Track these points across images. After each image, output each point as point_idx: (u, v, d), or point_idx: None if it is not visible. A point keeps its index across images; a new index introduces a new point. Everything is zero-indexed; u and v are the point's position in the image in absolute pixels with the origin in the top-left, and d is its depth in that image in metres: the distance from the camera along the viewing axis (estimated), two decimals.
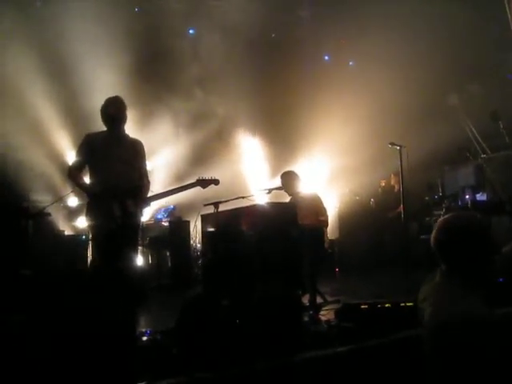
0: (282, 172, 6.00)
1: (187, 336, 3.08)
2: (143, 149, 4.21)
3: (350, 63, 10.54)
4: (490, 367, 1.77)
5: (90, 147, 4.01)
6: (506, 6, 7.19)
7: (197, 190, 4.52)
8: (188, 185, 4.37)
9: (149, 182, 4.24)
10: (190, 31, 9.41)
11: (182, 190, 4.34)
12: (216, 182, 4.44)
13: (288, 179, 5.84)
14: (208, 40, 8.72)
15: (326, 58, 10.56)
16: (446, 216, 2.11)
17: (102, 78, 7.41)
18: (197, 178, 4.44)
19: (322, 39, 9.86)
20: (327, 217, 5.85)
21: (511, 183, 7.12)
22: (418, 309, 2.09)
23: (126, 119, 4.07)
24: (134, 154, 4.10)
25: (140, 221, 4.21)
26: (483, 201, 7.46)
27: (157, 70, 8.51)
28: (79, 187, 4.19)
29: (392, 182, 8.65)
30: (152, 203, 4.36)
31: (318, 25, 9.65)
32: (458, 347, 1.82)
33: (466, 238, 1.96)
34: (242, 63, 8.74)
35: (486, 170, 7.27)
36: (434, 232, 2.07)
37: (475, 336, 1.78)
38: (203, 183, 4.40)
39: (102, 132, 4.09)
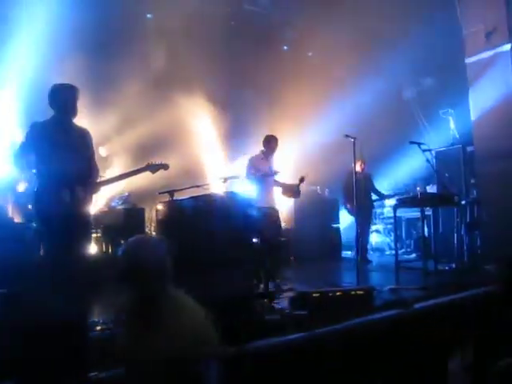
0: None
1: None
2: (90, 136, 4.13)
3: (309, 54, 10.59)
4: None
5: (37, 135, 3.88)
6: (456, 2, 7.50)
7: (153, 178, 4.48)
8: (137, 170, 4.31)
9: (98, 170, 4.18)
10: (148, 15, 9.20)
11: (131, 175, 4.27)
12: (165, 166, 4.41)
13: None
14: (166, 25, 8.52)
15: (285, 47, 10.57)
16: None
17: (56, 61, 7.14)
18: (146, 163, 4.39)
19: (281, 29, 9.87)
20: None
21: (459, 177, 7.41)
22: None
23: (76, 109, 3.96)
24: (82, 141, 4.02)
25: (90, 207, 4.15)
26: (433, 193, 7.73)
27: (112, 54, 8.27)
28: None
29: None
30: (106, 191, 4.29)
31: (277, 14, 9.65)
32: None
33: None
34: (201, 51, 8.64)
35: (436, 164, 7.51)
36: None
37: None
38: (152, 168, 4.36)
39: (49, 120, 3.96)
